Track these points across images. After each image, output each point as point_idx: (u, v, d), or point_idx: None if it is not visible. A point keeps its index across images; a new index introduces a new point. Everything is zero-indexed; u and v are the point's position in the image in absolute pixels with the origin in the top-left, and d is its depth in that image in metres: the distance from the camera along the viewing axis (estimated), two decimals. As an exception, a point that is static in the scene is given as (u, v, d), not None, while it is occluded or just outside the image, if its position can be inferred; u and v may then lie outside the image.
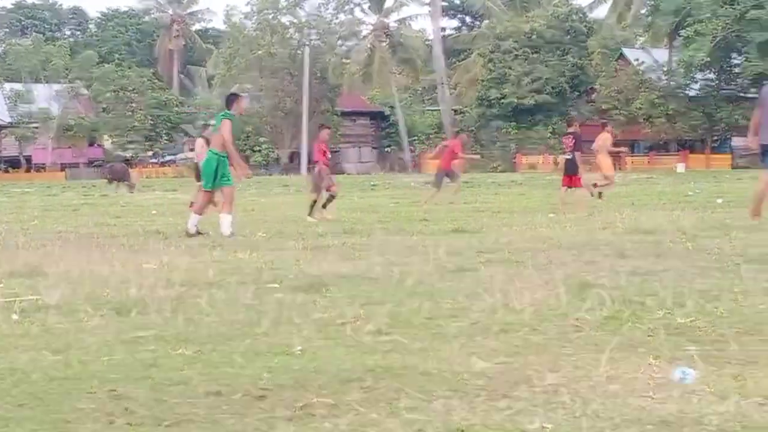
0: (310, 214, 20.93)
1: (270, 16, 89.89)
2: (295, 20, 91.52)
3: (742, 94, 77.22)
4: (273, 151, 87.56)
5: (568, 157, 23.16)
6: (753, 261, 10.27)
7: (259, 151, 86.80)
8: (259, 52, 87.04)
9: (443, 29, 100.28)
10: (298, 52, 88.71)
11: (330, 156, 22.94)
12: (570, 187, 23.02)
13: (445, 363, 5.83)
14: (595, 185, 26.29)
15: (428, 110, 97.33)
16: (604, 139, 27.40)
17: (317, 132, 23.31)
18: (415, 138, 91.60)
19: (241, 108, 17.19)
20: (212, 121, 16.64)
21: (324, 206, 21.40)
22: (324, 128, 22.97)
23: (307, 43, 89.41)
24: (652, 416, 4.67)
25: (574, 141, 23.02)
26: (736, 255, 10.86)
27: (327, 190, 21.68)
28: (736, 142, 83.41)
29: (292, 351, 6.28)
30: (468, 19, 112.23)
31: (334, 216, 21.01)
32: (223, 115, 16.86)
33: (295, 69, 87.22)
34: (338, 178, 54.23)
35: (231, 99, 17.27)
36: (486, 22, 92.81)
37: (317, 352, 6.22)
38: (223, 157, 16.68)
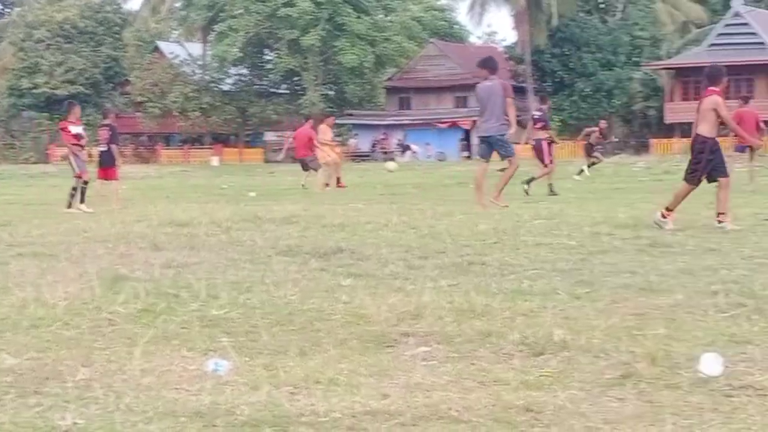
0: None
1: None
2: None
3: (273, 90, 79.31)
4: None
5: (103, 149, 22.82)
6: (283, 253, 10.54)
7: None
8: None
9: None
10: None
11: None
12: (106, 179, 22.68)
13: (-29, 361, 5.59)
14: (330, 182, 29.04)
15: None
16: (323, 131, 29.19)
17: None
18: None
19: None
20: None
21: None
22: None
23: None
24: (185, 408, 4.68)
25: (110, 133, 22.69)
26: (267, 247, 11.09)
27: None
28: (268, 136, 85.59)
29: None
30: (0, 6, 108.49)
31: None
32: None
33: None
34: None
35: None
36: (17, 9, 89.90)
37: None
38: None
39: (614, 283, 8.19)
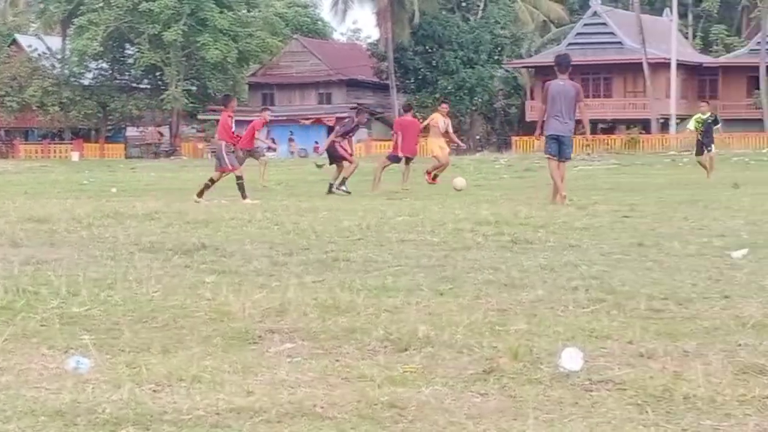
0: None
1: None
2: None
3: (135, 85, 78.43)
4: None
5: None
6: (146, 249, 10.42)
7: None
8: None
9: None
10: None
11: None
12: None
13: None
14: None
15: None
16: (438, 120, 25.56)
17: None
18: None
19: None
20: None
21: None
22: None
23: None
24: (46, 407, 4.60)
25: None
26: (130, 243, 10.95)
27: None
28: (130, 132, 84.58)
29: None
30: None
31: None
32: None
33: None
34: None
35: None
36: None
37: None
38: None
39: (477, 279, 8.27)
